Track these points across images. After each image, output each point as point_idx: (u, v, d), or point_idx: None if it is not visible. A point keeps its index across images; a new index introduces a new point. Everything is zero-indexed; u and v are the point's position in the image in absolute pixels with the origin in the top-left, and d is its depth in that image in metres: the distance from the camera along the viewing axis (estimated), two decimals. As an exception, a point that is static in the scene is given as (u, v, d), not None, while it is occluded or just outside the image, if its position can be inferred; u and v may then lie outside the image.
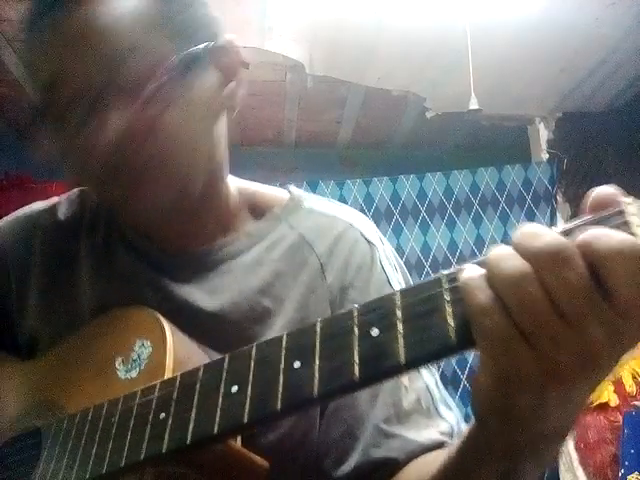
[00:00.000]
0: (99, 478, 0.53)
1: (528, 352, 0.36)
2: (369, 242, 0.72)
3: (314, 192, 2.92)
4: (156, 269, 0.71)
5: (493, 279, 0.36)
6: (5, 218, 0.81)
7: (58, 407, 0.64)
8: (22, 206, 0.82)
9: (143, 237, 0.73)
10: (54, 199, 0.81)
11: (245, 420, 0.45)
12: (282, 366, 0.45)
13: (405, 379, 0.65)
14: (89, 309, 0.71)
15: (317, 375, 0.43)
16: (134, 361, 0.61)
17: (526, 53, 2.73)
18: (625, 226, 0.35)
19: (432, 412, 0.66)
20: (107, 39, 0.59)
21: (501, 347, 0.36)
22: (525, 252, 0.36)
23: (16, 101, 3.00)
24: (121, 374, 0.61)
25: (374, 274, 0.70)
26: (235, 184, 0.76)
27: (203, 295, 0.68)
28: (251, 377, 0.47)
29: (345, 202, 2.96)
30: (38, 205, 0.81)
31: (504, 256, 0.36)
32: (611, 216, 0.36)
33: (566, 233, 0.36)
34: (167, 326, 0.61)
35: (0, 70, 2.74)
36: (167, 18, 0.62)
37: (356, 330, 0.42)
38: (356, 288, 0.69)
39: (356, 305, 0.44)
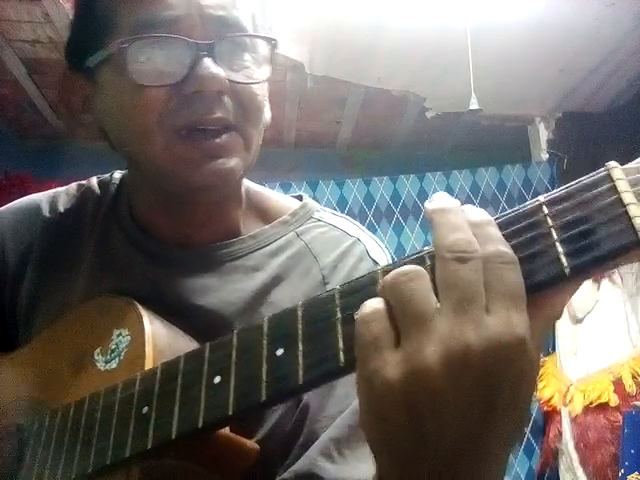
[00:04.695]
0: (85, 477, 0.52)
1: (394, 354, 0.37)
2: (374, 261, 0.72)
3: (314, 192, 2.92)
4: (153, 262, 0.70)
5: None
6: (7, 205, 0.80)
7: (39, 401, 0.63)
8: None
9: (142, 230, 0.73)
10: (51, 191, 0.80)
11: (230, 412, 0.44)
12: (265, 354, 0.44)
13: None
14: (80, 299, 0.70)
15: (301, 362, 0.42)
16: (113, 351, 0.60)
17: (526, 53, 2.73)
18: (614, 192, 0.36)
19: None
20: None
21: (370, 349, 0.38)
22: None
23: (16, 101, 3.01)
24: (100, 365, 0.60)
25: None
26: (244, 185, 0.76)
27: (197, 292, 0.68)
28: (233, 367, 0.45)
29: (345, 202, 2.96)
30: (38, 196, 0.80)
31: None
32: (597, 182, 0.38)
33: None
34: (145, 314, 0.60)
35: (0, 70, 2.75)
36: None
37: (339, 314, 0.41)
38: None
39: (337, 287, 0.42)
